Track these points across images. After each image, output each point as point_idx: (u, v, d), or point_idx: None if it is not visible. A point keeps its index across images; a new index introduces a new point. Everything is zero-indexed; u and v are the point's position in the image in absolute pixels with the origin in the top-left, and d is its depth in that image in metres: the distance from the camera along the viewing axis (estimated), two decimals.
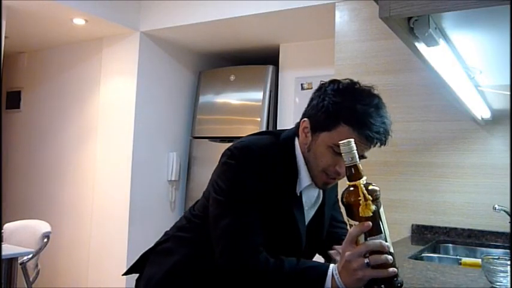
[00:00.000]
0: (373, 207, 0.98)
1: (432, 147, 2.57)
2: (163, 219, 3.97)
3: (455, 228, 2.44)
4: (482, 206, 2.41)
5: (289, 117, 3.73)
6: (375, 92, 1.19)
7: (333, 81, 1.20)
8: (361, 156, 1.10)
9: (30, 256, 2.89)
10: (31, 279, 3.02)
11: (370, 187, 1.00)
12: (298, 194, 1.21)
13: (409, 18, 1.03)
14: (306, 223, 1.26)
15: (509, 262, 1.27)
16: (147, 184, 3.83)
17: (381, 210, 1.01)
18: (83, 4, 3.31)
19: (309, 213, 1.27)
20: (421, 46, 1.13)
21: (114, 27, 3.66)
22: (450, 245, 2.37)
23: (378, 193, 1.01)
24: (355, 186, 1.00)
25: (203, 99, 4.14)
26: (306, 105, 1.24)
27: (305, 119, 1.20)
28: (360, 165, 1.01)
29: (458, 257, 2.14)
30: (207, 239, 1.18)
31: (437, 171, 2.55)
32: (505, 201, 2.16)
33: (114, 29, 3.72)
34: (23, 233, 3.13)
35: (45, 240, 3.03)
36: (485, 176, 2.43)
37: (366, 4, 2.78)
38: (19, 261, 2.81)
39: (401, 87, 2.65)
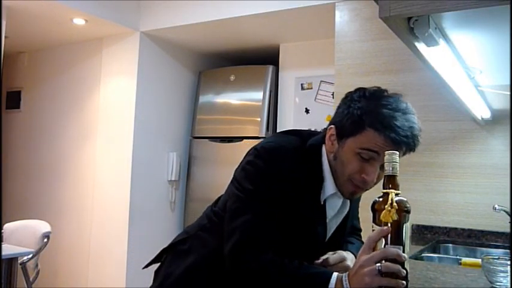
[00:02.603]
0: (396, 216, 0.98)
1: (432, 147, 2.57)
2: (163, 219, 3.97)
3: (455, 228, 2.44)
4: (482, 206, 2.40)
5: (289, 117, 3.73)
6: (402, 99, 1.16)
7: (359, 89, 1.18)
8: None
9: (30, 256, 2.89)
10: (31, 279, 3.02)
11: (401, 198, 1.00)
12: (322, 203, 1.19)
13: (409, 18, 1.03)
14: (330, 233, 1.24)
15: (509, 262, 1.27)
16: (147, 184, 3.83)
17: (407, 225, 1.00)
18: (83, 4, 3.31)
19: (331, 224, 1.25)
20: (421, 46, 1.13)
21: (114, 27, 3.66)
22: (450, 245, 2.37)
23: (407, 206, 1.00)
24: (386, 194, 1.00)
25: (203, 99, 4.14)
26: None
27: (331, 126, 1.18)
28: (398, 179, 1.01)
29: (458, 257, 2.13)
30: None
31: (437, 171, 2.55)
32: (505, 201, 2.16)
33: (114, 29, 3.72)
34: (23, 233, 3.12)
35: (45, 240, 3.03)
36: (485, 176, 2.43)
37: (366, 4, 2.78)
38: (19, 261, 2.81)
39: (401, 87, 2.65)
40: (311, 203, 1.17)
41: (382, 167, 1.11)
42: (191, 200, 4.05)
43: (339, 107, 1.19)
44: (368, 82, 2.80)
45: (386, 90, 1.18)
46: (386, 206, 0.98)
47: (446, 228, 2.47)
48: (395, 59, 2.68)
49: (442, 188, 2.53)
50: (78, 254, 3.96)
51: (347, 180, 1.15)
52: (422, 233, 2.51)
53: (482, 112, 2.32)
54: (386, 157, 1.02)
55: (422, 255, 2.04)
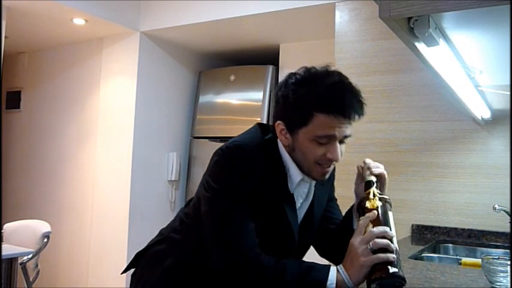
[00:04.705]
0: (380, 203, 1.10)
1: (432, 147, 2.57)
2: (163, 219, 3.93)
3: (455, 228, 2.44)
4: (482, 206, 2.40)
5: None
6: (332, 69, 1.18)
7: (289, 76, 1.19)
8: (345, 136, 1.14)
9: (30, 256, 2.89)
10: (31, 279, 3.02)
11: (383, 195, 1.13)
12: (292, 192, 1.21)
13: (409, 18, 1.03)
14: (299, 221, 1.26)
15: (509, 262, 1.27)
16: (147, 184, 3.83)
17: (390, 212, 1.10)
18: (83, 4, 3.31)
19: (300, 211, 1.27)
20: (421, 46, 1.13)
21: (114, 27, 3.66)
22: (450, 245, 2.37)
23: (389, 199, 1.13)
24: (368, 192, 1.13)
25: (203, 99, 4.14)
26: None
27: (278, 121, 1.18)
28: (375, 181, 1.17)
29: (458, 257, 2.13)
30: (197, 237, 1.20)
31: (437, 171, 2.55)
32: (505, 201, 2.16)
33: (114, 29, 3.72)
34: (23, 233, 3.12)
35: (45, 240, 3.03)
36: (485, 176, 2.43)
37: (365, 4, 2.78)
38: (19, 261, 2.81)
39: (401, 87, 2.65)
40: (280, 194, 1.19)
41: (341, 141, 1.15)
42: None
43: (277, 100, 1.19)
44: (368, 82, 2.81)
45: (314, 67, 1.19)
46: (370, 196, 1.11)
47: (446, 228, 2.47)
48: (395, 59, 2.68)
49: (442, 188, 2.53)
50: (78, 254, 3.96)
51: (314, 164, 1.16)
52: (422, 233, 2.51)
53: (482, 112, 2.32)
54: (363, 167, 1.20)
55: (422, 255, 2.04)
